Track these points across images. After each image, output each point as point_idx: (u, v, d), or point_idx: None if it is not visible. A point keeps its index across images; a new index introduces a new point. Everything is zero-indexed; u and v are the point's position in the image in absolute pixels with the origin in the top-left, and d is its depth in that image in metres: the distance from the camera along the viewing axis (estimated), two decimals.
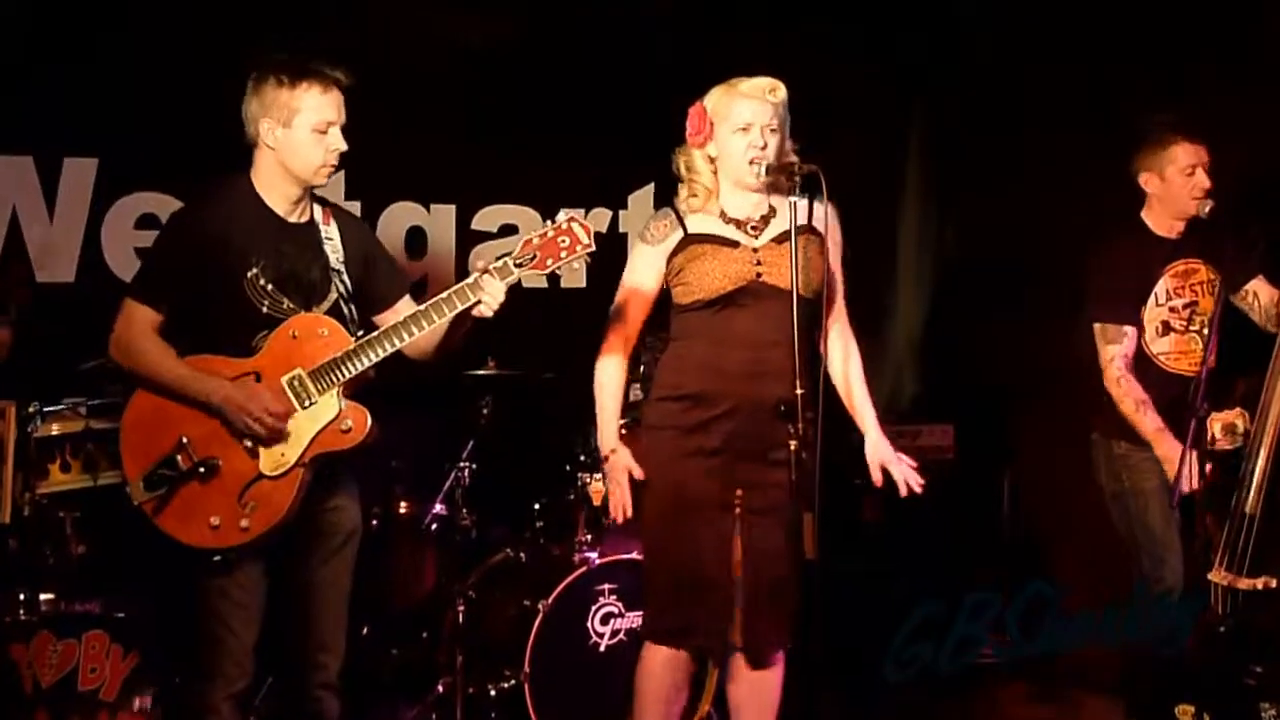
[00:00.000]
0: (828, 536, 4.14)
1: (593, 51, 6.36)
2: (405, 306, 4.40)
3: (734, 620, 4.42)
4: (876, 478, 4.51)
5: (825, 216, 4.34)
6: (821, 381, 4.30)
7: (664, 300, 4.55)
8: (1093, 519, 5.52)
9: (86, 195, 5.69)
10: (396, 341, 4.18)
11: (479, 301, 4.14)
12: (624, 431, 4.62)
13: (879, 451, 4.52)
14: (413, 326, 4.17)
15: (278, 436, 4.14)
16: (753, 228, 4.46)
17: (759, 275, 4.40)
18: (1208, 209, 5.10)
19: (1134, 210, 5.30)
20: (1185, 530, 5.16)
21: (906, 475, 4.50)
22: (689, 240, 4.43)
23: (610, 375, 4.54)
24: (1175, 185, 5.20)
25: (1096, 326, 5.26)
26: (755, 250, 4.42)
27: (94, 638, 4.67)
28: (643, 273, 4.51)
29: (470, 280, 4.16)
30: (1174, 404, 5.09)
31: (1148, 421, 5.14)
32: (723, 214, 4.47)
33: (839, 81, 6.59)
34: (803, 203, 4.23)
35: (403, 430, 4.55)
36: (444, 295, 4.17)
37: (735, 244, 4.42)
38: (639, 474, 4.45)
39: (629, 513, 4.47)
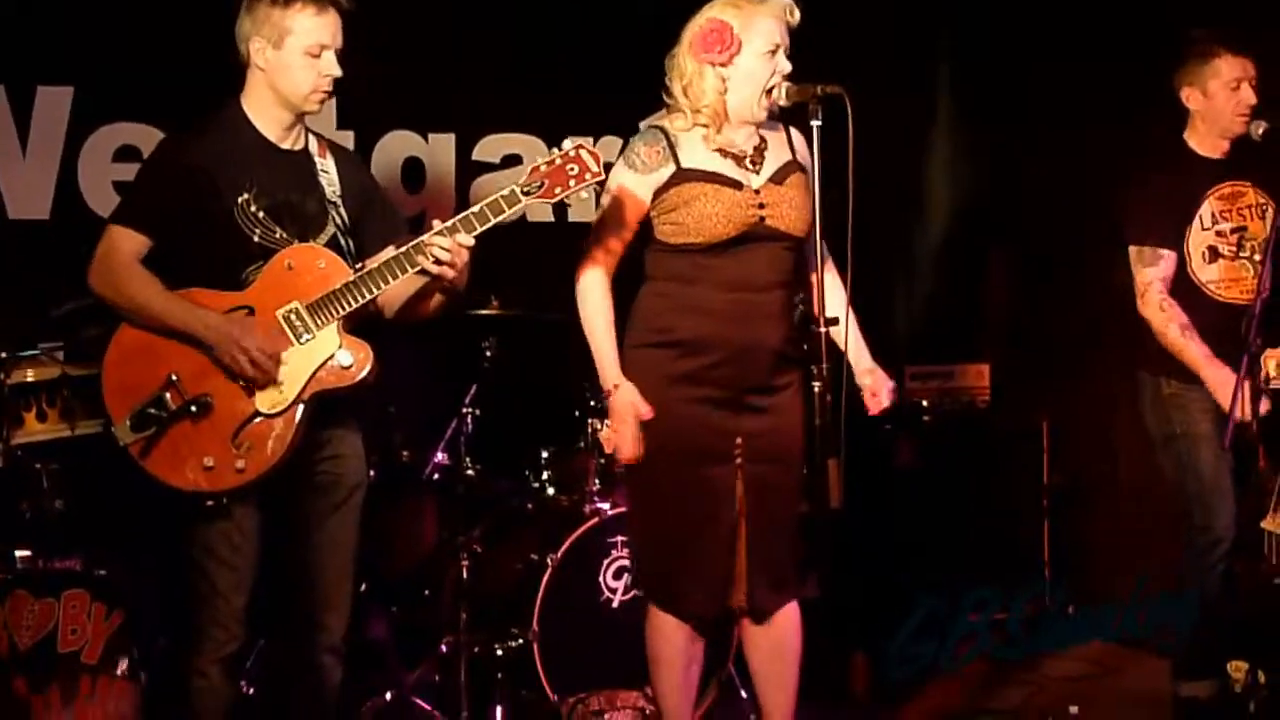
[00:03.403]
0: (855, 485, 4.12)
1: None
2: (390, 254, 4.34)
3: (735, 582, 4.39)
4: (873, 407, 4.46)
5: (813, 149, 4.23)
6: (846, 322, 4.24)
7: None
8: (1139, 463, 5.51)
9: (61, 126, 5.65)
10: (400, 272, 4.14)
11: (433, 267, 4.12)
12: None
13: (876, 380, 4.47)
14: (417, 256, 4.13)
15: (269, 377, 4.11)
16: (750, 162, 4.40)
17: (761, 219, 4.34)
18: (1261, 131, 5.05)
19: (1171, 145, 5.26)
20: (1238, 475, 5.13)
21: (881, 393, 4.46)
22: (683, 175, 4.34)
23: (599, 304, 4.39)
24: (1219, 101, 5.16)
25: (1132, 250, 5.22)
26: (757, 192, 4.36)
27: (74, 597, 4.64)
28: (630, 205, 4.37)
29: (419, 240, 4.14)
30: (1225, 336, 5.04)
31: (1194, 348, 5.08)
32: (720, 147, 4.37)
33: (864, 6, 6.56)
34: (817, 125, 4.16)
35: (402, 375, 4.54)
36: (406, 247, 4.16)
37: (736, 184, 4.34)
38: (646, 412, 4.33)
39: (640, 452, 4.36)
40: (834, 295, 4.36)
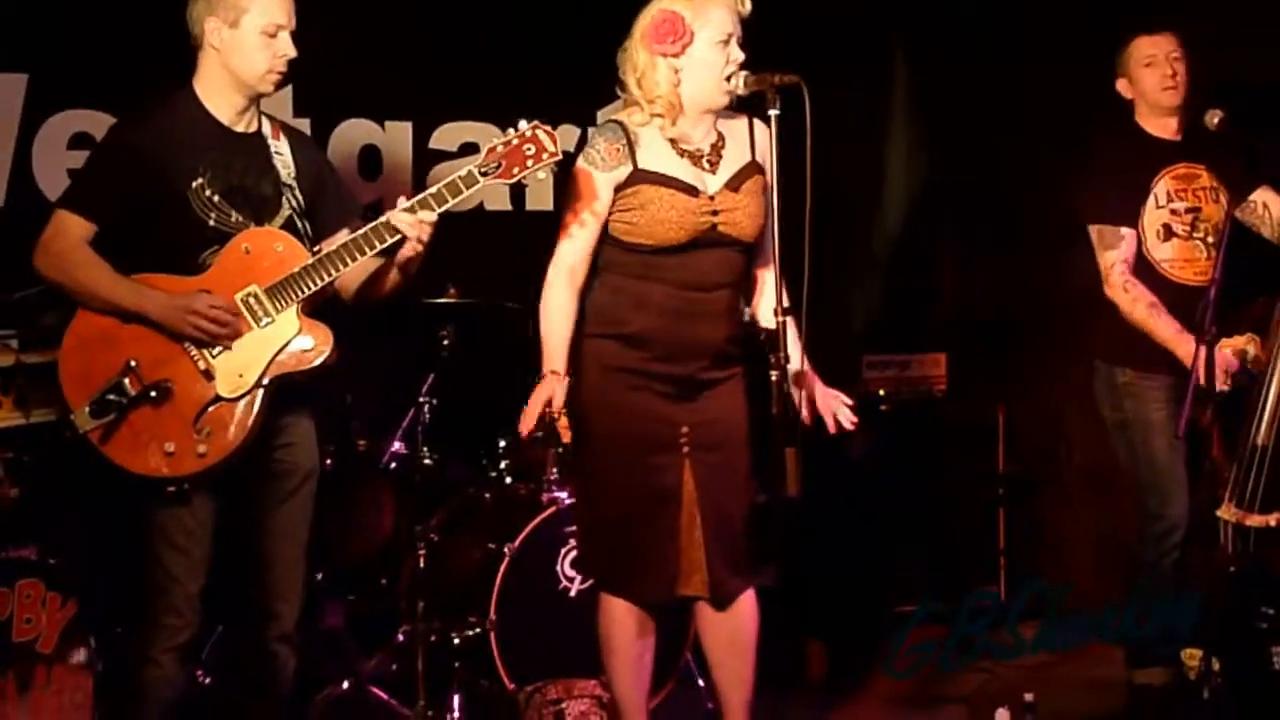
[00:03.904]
0: (812, 473, 4.15)
1: None
2: (345, 238, 4.35)
3: (690, 568, 4.43)
4: (806, 415, 4.46)
5: (770, 149, 4.24)
6: (804, 307, 4.27)
7: None
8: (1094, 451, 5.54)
9: (15, 113, 5.58)
10: (359, 254, 4.16)
11: (402, 239, 4.13)
12: None
13: (809, 386, 4.49)
14: (375, 239, 4.15)
15: (234, 330, 4.11)
16: (708, 161, 4.41)
17: (714, 226, 4.38)
18: (1216, 120, 5.07)
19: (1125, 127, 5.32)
20: (1191, 464, 5.17)
21: (838, 411, 4.49)
22: (639, 177, 4.35)
23: (560, 299, 4.39)
24: (1142, 81, 5.24)
25: (1093, 230, 5.24)
26: (712, 198, 4.38)
27: (28, 585, 4.60)
28: (592, 201, 4.37)
29: (384, 219, 4.16)
30: (1179, 317, 5.06)
31: (1163, 325, 5.10)
32: (676, 143, 4.39)
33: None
34: (775, 114, 4.18)
35: (359, 363, 4.52)
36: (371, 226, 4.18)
37: (692, 190, 4.35)
38: (558, 410, 4.34)
39: (529, 428, 4.37)
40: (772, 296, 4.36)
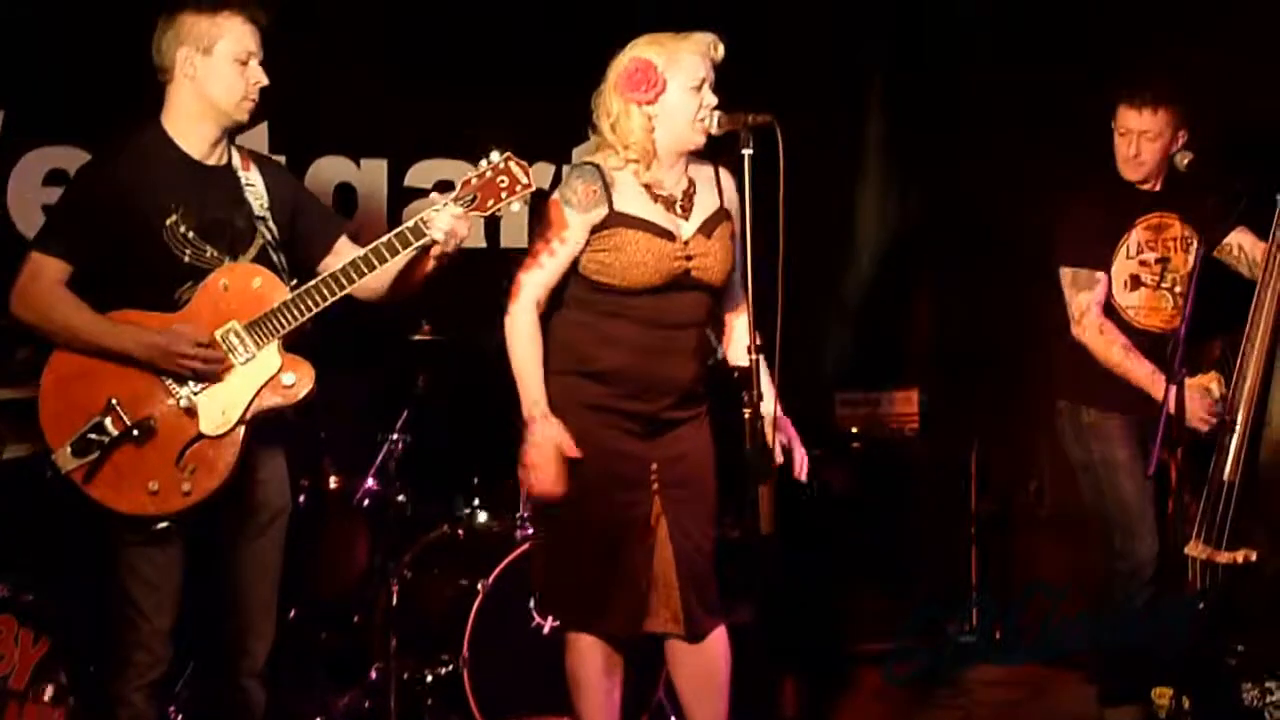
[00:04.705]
0: (785, 511, 4.19)
1: None
2: (345, 248, 4.40)
3: (660, 604, 4.45)
4: (779, 454, 4.47)
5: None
6: (778, 345, 4.30)
7: None
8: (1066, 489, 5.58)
9: None
10: (339, 288, 4.18)
11: (432, 241, 4.17)
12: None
13: (782, 427, 4.51)
14: (353, 274, 4.17)
15: (220, 363, 4.13)
16: (680, 207, 4.45)
17: (688, 271, 4.42)
18: (1186, 161, 5.13)
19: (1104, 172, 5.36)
20: (1158, 502, 5.21)
21: (800, 462, 4.55)
22: (616, 219, 4.38)
23: (529, 334, 4.39)
24: (1115, 145, 5.27)
25: (1066, 272, 5.28)
26: (686, 243, 4.42)
27: (1, 622, 4.64)
28: (567, 236, 4.38)
29: (414, 221, 4.18)
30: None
31: (1138, 367, 5.14)
32: (650, 188, 4.43)
33: (788, 41, 6.65)
34: (749, 154, 4.19)
35: (332, 399, 4.53)
36: (387, 238, 4.18)
37: (667, 235, 4.39)
38: (573, 451, 4.34)
39: (560, 490, 4.35)
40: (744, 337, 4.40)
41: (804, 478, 4.55)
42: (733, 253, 4.48)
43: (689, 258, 4.42)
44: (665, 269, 4.39)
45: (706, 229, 4.46)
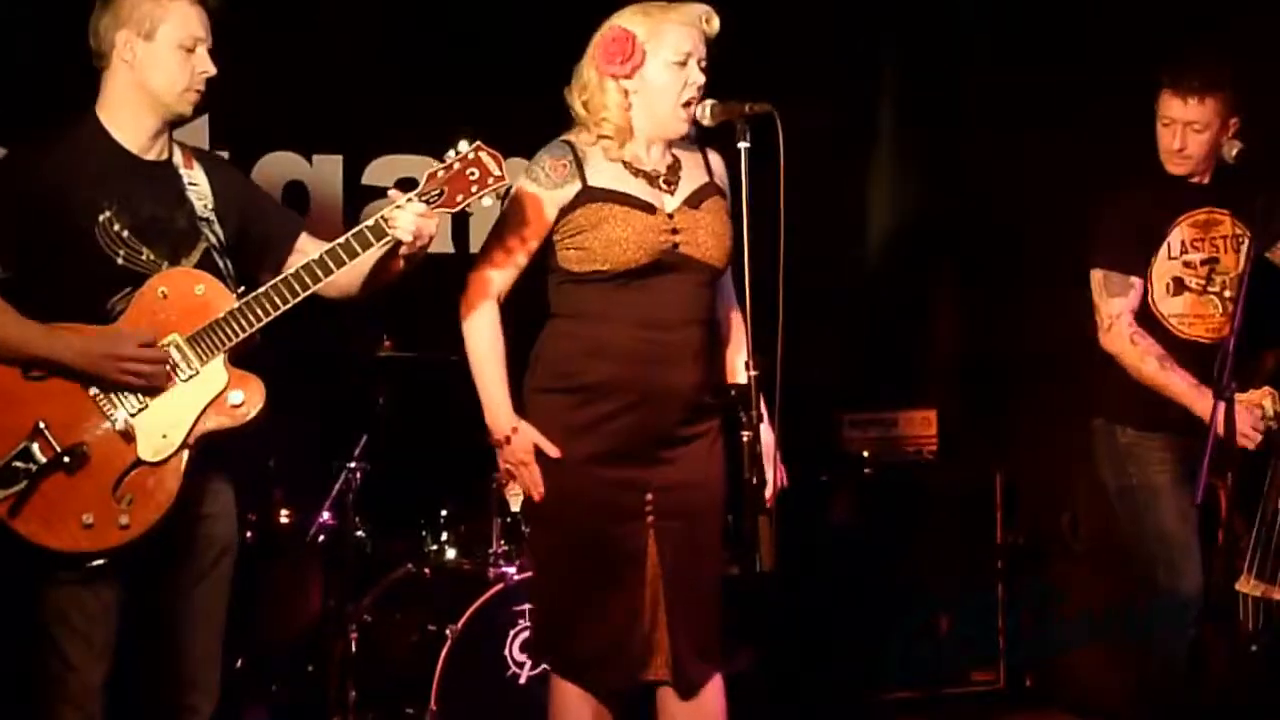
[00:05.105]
0: (788, 545, 4.13)
1: None
2: (309, 245, 4.32)
3: (651, 649, 4.37)
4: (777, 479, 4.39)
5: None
6: (779, 358, 4.25)
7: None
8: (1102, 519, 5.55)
9: None
10: (291, 295, 4.10)
11: (396, 241, 4.11)
12: None
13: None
14: (306, 279, 4.10)
15: (166, 366, 4.04)
16: (664, 181, 4.37)
17: (675, 245, 4.31)
18: (1234, 152, 5.07)
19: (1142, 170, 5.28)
20: (1205, 532, 5.16)
21: (778, 479, 4.41)
22: (590, 194, 4.29)
23: (489, 337, 4.37)
24: (1158, 137, 5.19)
25: (1097, 275, 5.18)
26: (671, 215, 4.33)
27: None
28: (532, 223, 4.32)
29: (375, 219, 4.13)
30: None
31: (1177, 380, 5.01)
32: (628, 164, 4.34)
33: (801, 29, 6.61)
34: (746, 147, 4.14)
35: (283, 423, 4.36)
36: (345, 238, 4.14)
37: (649, 207, 4.30)
38: (552, 450, 4.30)
39: (541, 491, 4.33)
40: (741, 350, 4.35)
41: (770, 502, 4.33)
42: (729, 229, 4.35)
43: (675, 230, 4.31)
44: (650, 244, 4.27)
45: (694, 200, 4.36)
